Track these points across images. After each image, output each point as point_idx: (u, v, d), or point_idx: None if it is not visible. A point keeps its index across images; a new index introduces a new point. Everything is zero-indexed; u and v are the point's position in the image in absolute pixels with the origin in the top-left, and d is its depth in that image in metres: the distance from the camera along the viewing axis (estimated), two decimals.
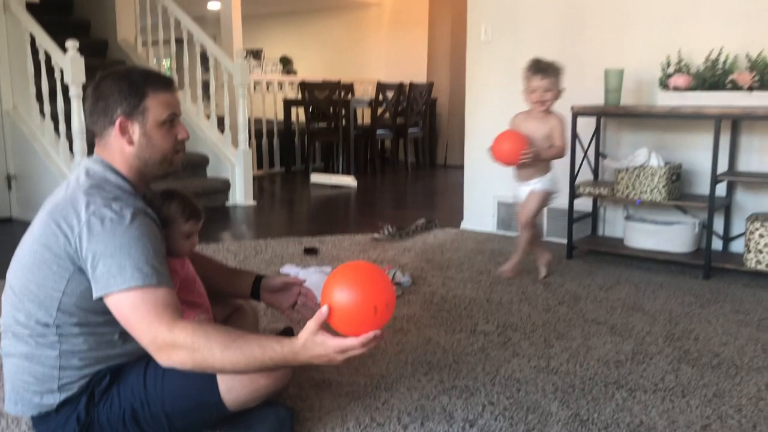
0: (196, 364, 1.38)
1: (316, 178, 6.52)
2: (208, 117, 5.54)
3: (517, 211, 3.14)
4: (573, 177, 3.42)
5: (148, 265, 1.39)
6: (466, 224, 4.26)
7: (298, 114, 7.46)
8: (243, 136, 5.31)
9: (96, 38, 5.89)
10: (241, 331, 1.45)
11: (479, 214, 4.19)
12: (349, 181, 6.28)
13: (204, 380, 1.49)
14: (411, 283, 2.98)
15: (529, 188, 3.00)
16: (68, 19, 6.01)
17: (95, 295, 1.40)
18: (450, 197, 5.38)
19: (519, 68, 3.88)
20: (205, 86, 5.67)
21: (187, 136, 1.60)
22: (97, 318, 1.45)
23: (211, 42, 5.43)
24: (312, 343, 1.38)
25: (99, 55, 5.78)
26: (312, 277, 2.94)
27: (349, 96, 7.21)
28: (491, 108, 4.05)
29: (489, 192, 4.11)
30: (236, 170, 5.27)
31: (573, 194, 3.43)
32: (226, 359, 1.37)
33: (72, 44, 3.98)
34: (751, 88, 2.99)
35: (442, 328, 2.45)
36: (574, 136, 3.38)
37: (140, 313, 1.37)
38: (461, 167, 4.31)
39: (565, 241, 3.53)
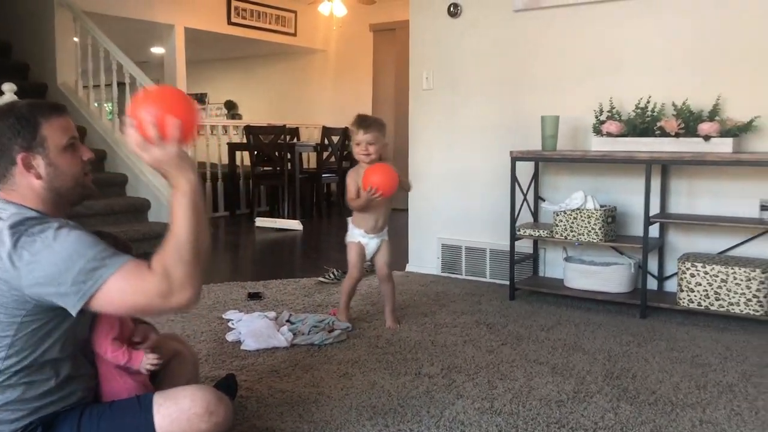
0: (197, 267, 1.42)
1: (261, 221, 6.48)
2: None
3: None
4: (513, 220, 3.50)
5: (106, 251, 1.37)
6: (410, 267, 4.29)
7: (243, 158, 7.44)
8: None
9: (35, 81, 5.78)
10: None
11: (423, 256, 4.23)
12: (294, 224, 6.26)
13: (141, 429, 1.45)
14: (352, 328, 2.96)
15: (380, 239, 3.04)
16: (6, 62, 5.89)
17: (77, 307, 1.35)
18: (395, 240, 5.41)
19: (460, 115, 4.01)
20: None
21: (91, 155, 1.56)
22: (43, 357, 1.42)
23: (154, 86, 5.39)
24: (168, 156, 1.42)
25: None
26: (255, 322, 2.91)
27: (295, 140, 7.25)
28: (433, 153, 4.14)
29: (433, 235, 4.17)
30: None
31: (514, 236, 3.51)
32: (193, 238, 1.43)
33: (9, 87, 3.90)
34: (677, 135, 3.15)
35: (386, 372, 2.45)
36: (514, 180, 3.48)
37: (131, 289, 1.36)
38: (405, 210, 4.37)
39: (506, 282, 3.59)
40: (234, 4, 7.49)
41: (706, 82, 3.23)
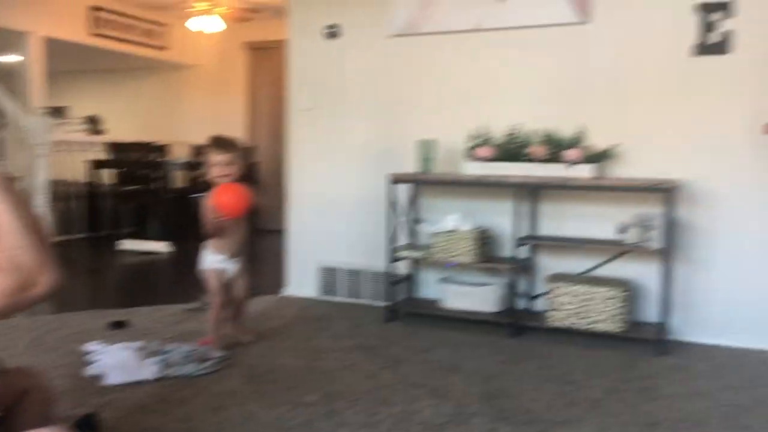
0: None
1: (126, 244, 6.10)
2: None
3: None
4: (391, 241, 3.51)
5: None
6: (288, 290, 4.19)
7: (108, 176, 7.01)
8: (42, 198, 4.85)
9: None
10: None
11: (302, 279, 4.15)
12: (162, 246, 5.95)
13: None
14: (225, 356, 2.82)
15: (237, 264, 3.03)
16: None
17: None
18: (272, 263, 5.28)
19: (339, 137, 3.99)
20: None
21: None
22: None
23: (7, 96, 4.96)
24: None
25: None
26: (119, 354, 2.71)
27: (164, 158, 6.93)
28: (311, 174, 4.09)
29: (311, 257, 4.10)
30: None
31: (392, 258, 3.52)
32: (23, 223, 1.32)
33: None
34: (545, 160, 3.30)
35: (264, 402, 2.35)
36: (392, 201, 3.50)
37: None
38: (283, 232, 4.27)
39: (385, 303, 3.59)
40: (97, 14, 7.09)
41: (570, 112, 3.42)
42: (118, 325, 3.30)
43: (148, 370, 2.58)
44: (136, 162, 6.59)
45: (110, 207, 7.02)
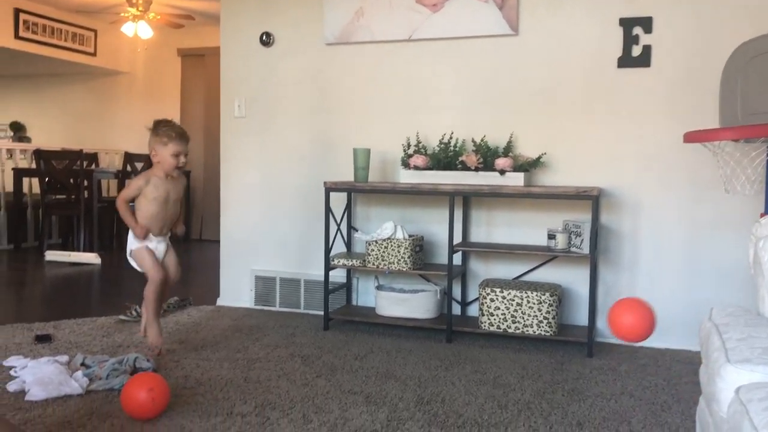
0: None
1: (52, 255, 5.87)
2: None
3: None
4: (327, 249, 3.52)
5: None
6: (222, 301, 4.13)
7: (32, 185, 6.75)
8: None
9: None
10: None
11: (236, 289, 4.09)
12: (91, 258, 5.76)
13: None
14: (154, 368, 2.75)
15: (166, 243, 3.06)
16: None
17: None
18: (205, 273, 5.20)
19: (273, 144, 3.97)
20: None
21: None
22: None
23: None
24: None
25: None
26: (43, 368, 2.60)
27: (93, 166, 6.73)
28: (245, 182, 4.05)
29: (246, 266, 4.05)
30: None
31: (328, 266, 3.52)
32: None
33: None
34: (477, 169, 3.37)
35: (195, 414, 2.30)
36: (327, 210, 3.50)
37: None
38: (217, 242, 4.20)
39: (321, 312, 3.58)
40: (23, 17, 6.84)
41: (501, 121, 3.51)
42: (44, 338, 3.18)
43: (74, 385, 2.49)
44: (64, 170, 6.37)
45: (36, 217, 6.76)
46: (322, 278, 3.56)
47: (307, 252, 3.88)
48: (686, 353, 3.17)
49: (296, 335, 3.40)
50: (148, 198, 2.94)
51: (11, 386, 2.51)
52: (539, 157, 3.39)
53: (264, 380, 2.69)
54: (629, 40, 3.30)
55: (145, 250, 2.97)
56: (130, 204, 2.96)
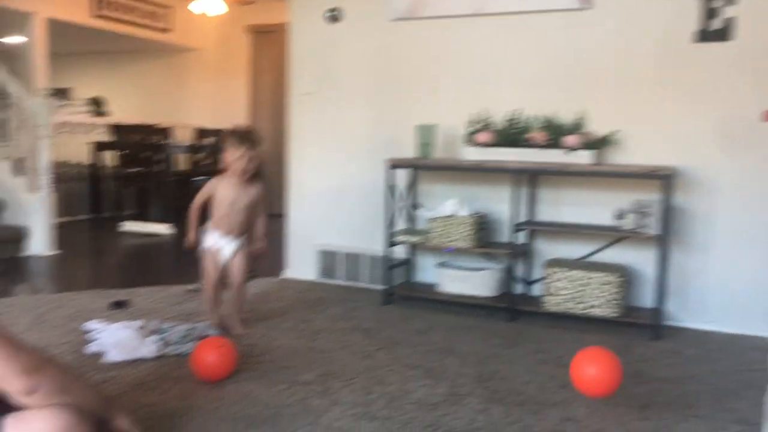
0: (66, 383, 1.47)
1: (128, 225, 6.14)
2: (8, 159, 5.06)
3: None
4: (390, 226, 3.54)
5: None
6: (288, 273, 4.23)
7: (110, 158, 7.04)
8: (44, 180, 4.89)
9: None
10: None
11: (301, 262, 4.18)
12: (164, 229, 5.99)
13: None
14: (223, 335, 2.84)
15: (236, 245, 3.03)
16: None
17: None
18: (273, 246, 5.31)
19: (339, 121, 4.01)
20: (2, 125, 5.17)
21: None
22: None
23: (10, 78, 4.98)
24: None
25: None
26: (119, 333, 2.75)
27: (167, 140, 6.95)
28: (312, 158, 4.11)
29: (311, 240, 4.13)
30: (35, 217, 4.81)
31: (390, 242, 3.55)
32: (77, 384, 1.52)
33: None
34: (544, 146, 3.32)
35: (262, 381, 2.38)
36: (391, 186, 3.52)
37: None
38: (283, 216, 4.30)
39: (383, 287, 3.62)
40: None
41: (571, 98, 3.43)
42: (119, 304, 3.34)
43: (148, 349, 2.62)
44: (139, 144, 6.61)
45: (113, 189, 7.06)
46: (384, 254, 3.59)
47: (370, 228, 3.91)
48: (761, 339, 3.05)
49: (358, 309, 3.45)
50: (218, 201, 2.97)
51: (90, 348, 2.66)
52: (610, 135, 3.30)
53: (327, 351, 2.75)
54: (708, 13, 3.16)
55: (209, 252, 3.00)
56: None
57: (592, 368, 2.20)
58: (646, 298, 3.31)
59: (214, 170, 6.98)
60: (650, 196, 3.20)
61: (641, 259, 3.34)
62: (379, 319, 3.26)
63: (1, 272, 2.20)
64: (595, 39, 3.39)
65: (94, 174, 6.83)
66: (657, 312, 3.09)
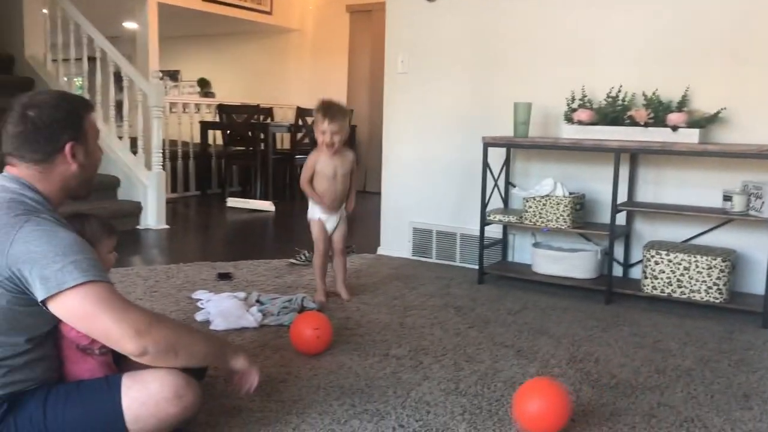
0: (175, 341, 1.50)
1: (232, 202, 6.44)
2: (121, 138, 5.41)
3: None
4: (484, 205, 3.54)
5: (96, 262, 1.44)
6: (382, 250, 4.31)
7: (216, 137, 7.37)
8: (157, 158, 5.20)
9: (0, 54, 5.64)
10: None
11: (395, 239, 4.25)
12: (266, 205, 6.23)
13: (108, 410, 1.46)
14: (319, 308, 2.97)
15: (338, 216, 3.18)
16: None
17: (44, 294, 1.37)
18: (368, 223, 5.43)
19: (434, 99, 4.02)
20: (119, 106, 5.53)
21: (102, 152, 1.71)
22: (10, 339, 1.43)
23: (126, 61, 5.31)
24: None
25: (5, 71, 5.53)
26: (224, 303, 2.91)
27: (269, 120, 7.19)
28: (407, 137, 4.15)
29: (405, 218, 4.19)
30: (149, 193, 5.14)
31: (484, 222, 3.55)
32: (188, 339, 1.57)
33: None
34: (646, 125, 3.20)
35: (355, 353, 2.47)
36: (485, 165, 3.51)
37: (107, 305, 1.41)
38: (378, 194, 4.38)
39: (476, 266, 3.63)
40: None
41: (675, 74, 3.28)
42: (225, 276, 3.54)
43: (250, 319, 2.77)
44: (243, 124, 6.88)
45: (219, 166, 7.39)
46: (478, 233, 3.59)
47: (464, 206, 3.92)
48: None
49: (451, 287, 3.48)
50: (318, 174, 3.09)
51: (198, 316, 2.84)
52: (717, 113, 3.14)
53: (418, 327, 2.80)
54: None
55: (317, 222, 3.15)
56: None
57: (534, 403, 1.84)
58: (756, 284, 3.14)
59: (313, 149, 7.19)
60: (762, 177, 3.03)
61: (751, 243, 3.17)
62: (471, 298, 3.28)
63: (120, 244, 2.38)
64: (703, 12, 3.21)
65: (201, 152, 7.17)
66: (767, 299, 2.93)
